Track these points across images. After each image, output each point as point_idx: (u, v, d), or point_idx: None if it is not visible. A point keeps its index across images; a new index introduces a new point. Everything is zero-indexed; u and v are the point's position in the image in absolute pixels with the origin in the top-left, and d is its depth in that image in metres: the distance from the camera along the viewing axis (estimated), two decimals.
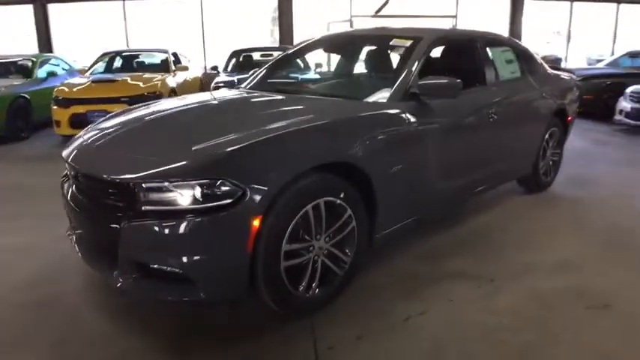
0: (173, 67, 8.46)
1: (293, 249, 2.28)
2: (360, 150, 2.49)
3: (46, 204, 4.35)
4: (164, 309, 2.52)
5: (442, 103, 2.99)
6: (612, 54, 11.84)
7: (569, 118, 4.71)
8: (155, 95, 7.16)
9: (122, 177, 2.16)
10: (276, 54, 9.59)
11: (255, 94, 3.29)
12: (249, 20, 12.71)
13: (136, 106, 3.32)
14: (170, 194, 2.06)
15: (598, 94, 8.46)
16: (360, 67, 3.98)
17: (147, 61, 8.92)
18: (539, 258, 3.17)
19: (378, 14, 11.87)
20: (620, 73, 9.27)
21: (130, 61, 8.84)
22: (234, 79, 7.58)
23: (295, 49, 4.21)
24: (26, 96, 7.75)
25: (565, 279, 2.89)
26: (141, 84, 7.31)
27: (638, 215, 4.04)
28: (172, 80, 7.97)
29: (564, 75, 4.92)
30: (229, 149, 2.13)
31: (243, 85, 3.81)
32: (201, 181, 2.02)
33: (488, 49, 3.77)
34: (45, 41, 11.18)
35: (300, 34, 12.34)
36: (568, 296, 2.69)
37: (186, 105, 3.13)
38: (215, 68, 8.76)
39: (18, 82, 7.96)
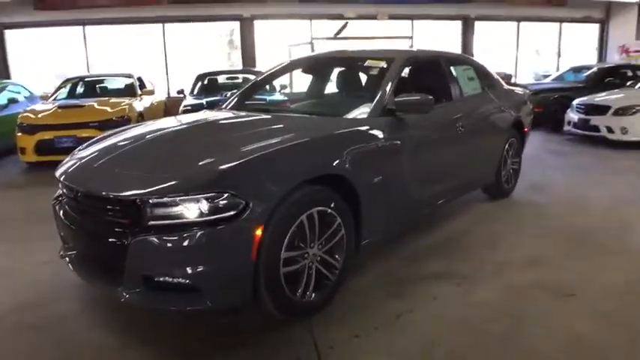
0: (139, 92, 8.49)
1: (290, 256, 2.43)
2: (347, 162, 2.69)
3: (18, 230, 4.36)
4: (164, 321, 2.62)
5: (416, 118, 3.25)
6: (557, 69, 12.69)
7: (526, 130, 5.10)
8: (123, 120, 7.19)
9: (127, 194, 2.27)
10: (240, 76, 9.83)
11: (242, 114, 3.46)
12: (206, 44, 12.81)
13: (123, 128, 3.42)
14: (176, 208, 2.18)
15: (547, 107, 9.07)
16: (332, 87, 4.21)
17: (111, 86, 8.90)
18: (509, 257, 3.45)
19: (338, 36, 12.28)
20: (567, 87, 9.97)
21: (94, 87, 8.79)
22: (203, 101, 7.71)
23: (270, 72, 4.38)
24: None
25: (533, 274, 3.17)
26: (108, 109, 7.31)
27: (591, 215, 4.41)
28: (139, 104, 8.00)
29: (518, 90, 5.34)
30: (232, 165, 2.28)
31: (224, 106, 3.97)
32: (207, 195, 2.16)
33: (452, 68, 4.10)
34: (2, 67, 10.93)
35: (262, 57, 12.58)
36: (537, 288, 2.96)
37: (176, 125, 3.27)
38: (181, 92, 8.84)
39: None
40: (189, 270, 2.18)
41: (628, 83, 9.19)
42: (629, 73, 10.32)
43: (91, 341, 2.49)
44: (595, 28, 13.60)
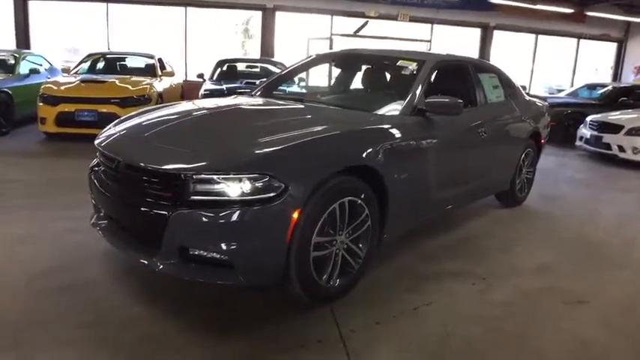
0: (159, 72, 8.58)
1: (320, 241, 2.54)
2: (379, 156, 2.80)
3: (40, 198, 4.46)
4: (192, 292, 2.73)
5: (443, 120, 3.35)
6: (572, 85, 12.76)
7: (543, 141, 5.19)
8: (144, 98, 7.31)
9: (172, 168, 2.37)
10: (259, 65, 9.91)
11: (277, 102, 3.57)
12: (222, 31, 12.84)
13: (161, 105, 3.55)
14: (218, 186, 2.28)
15: (560, 121, 9.14)
16: (359, 82, 4.30)
17: (133, 64, 8.99)
18: (522, 262, 3.56)
19: (357, 34, 12.34)
20: (580, 103, 10.05)
21: (116, 64, 8.89)
22: (223, 87, 7.80)
23: (298, 64, 4.45)
24: (8, 91, 7.69)
25: (544, 280, 3.28)
26: (130, 87, 7.40)
27: (601, 229, 4.51)
28: (159, 85, 8.09)
29: (538, 101, 5.42)
30: (274, 149, 2.40)
31: (253, 94, 4.07)
32: (250, 175, 2.26)
33: (478, 74, 4.19)
34: (23, 38, 11.01)
35: (280, 49, 12.65)
36: (548, 294, 3.07)
37: (216, 107, 3.38)
38: (201, 76, 8.92)
39: (0, 77, 7.87)
40: (225, 246, 2.29)
41: None
42: None
43: (120, 307, 2.60)
44: (613, 46, 13.68)
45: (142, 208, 2.46)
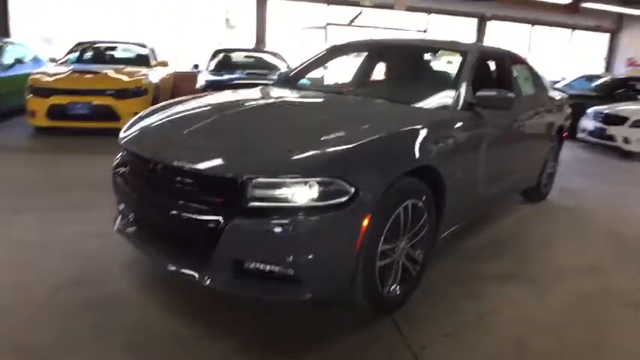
0: (154, 62, 8.19)
1: (385, 249, 2.33)
2: (439, 155, 2.60)
3: (43, 198, 4.12)
4: (239, 309, 2.49)
5: (490, 114, 3.16)
6: (563, 77, 12.76)
7: (565, 134, 5.07)
8: (140, 90, 6.94)
9: (227, 171, 2.11)
10: (256, 55, 9.58)
11: (315, 94, 3.32)
12: (202, 21, 12.26)
13: (185, 98, 3.28)
14: (282, 191, 2.04)
15: None
16: (391, 73, 4.08)
17: (125, 54, 8.56)
18: (567, 261, 3.43)
19: (352, 24, 12.09)
20: (579, 95, 10.02)
21: (106, 54, 8.44)
22: (225, 78, 7.47)
23: (320, 54, 4.18)
24: None
25: (597, 280, 3.15)
26: (125, 77, 7.02)
27: (629, 223, 4.41)
28: (155, 76, 7.71)
29: (559, 94, 5.29)
30: (343, 148, 2.15)
31: (273, 85, 3.82)
32: (319, 179, 2.02)
33: (513, 66, 4.01)
34: (3, 26, 10.42)
35: (273, 39, 12.30)
36: (606, 295, 2.94)
37: (254, 101, 3.10)
38: (196, 66, 8.57)
39: None
40: (291, 259, 2.05)
41: None
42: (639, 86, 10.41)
43: (162, 325, 2.35)
44: (605, 37, 13.74)
45: (187, 216, 2.20)
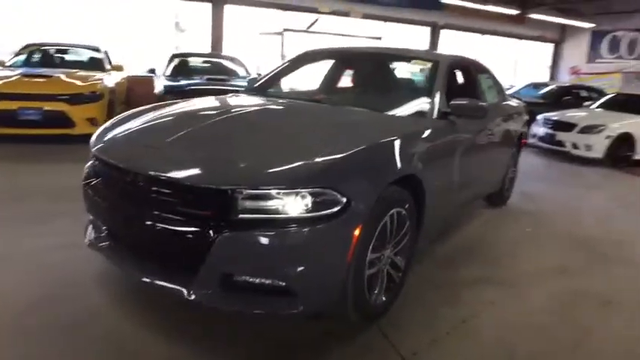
0: (108, 67, 7.88)
1: (373, 258, 2.33)
2: (420, 163, 2.63)
3: (1, 208, 3.86)
4: (225, 324, 2.42)
5: (462, 122, 3.23)
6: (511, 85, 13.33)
7: (524, 140, 5.28)
8: (95, 95, 6.66)
9: (216, 183, 2.03)
10: (214, 60, 9.41)
11: (294, 102, 3.28)
12: (151, 24, 11.82)
13: (160, 104, 3.17)
14: (273, 202, 1.99)
15: None
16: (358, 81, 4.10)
17: (76, 58, 8.18)
18: (536, 264, 3.55)
19: (309, 30, 12.13)
20: (528, 102, 10.45)
21: (57, 57, 8.04)
22: (183, 83, 7.29)
23: (290, 61, 4.15)
24: None
25: (567, 282, 3.28)
26: (78, 82, 6.70)
27: (585, 225, 4.63)
28: (110, 80, 7.42)
29: (517, 102, 5.51)
30: (334, 158, 2.13)
31: (243, 93, 3.76)
32: (312, 190, 1.99)
33: (478, 74, 4.14)
34: None
35: (228, 44, 12.10)
36: (578, 296, 3.07)
37: (233, 109, 3.02)
38: (152, 71, 8.31)
39: None
40: (285, 270, 2.01)
41: (586, 103, 9.82)
42: (584, 94, 11.04)
43: (149, 347, 2.24)
44: (550, 47, 14.49)
45: (172, 229, 2.10)
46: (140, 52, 11.27)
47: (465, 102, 3.08)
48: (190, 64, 9.02)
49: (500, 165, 4.53)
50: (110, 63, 8.22)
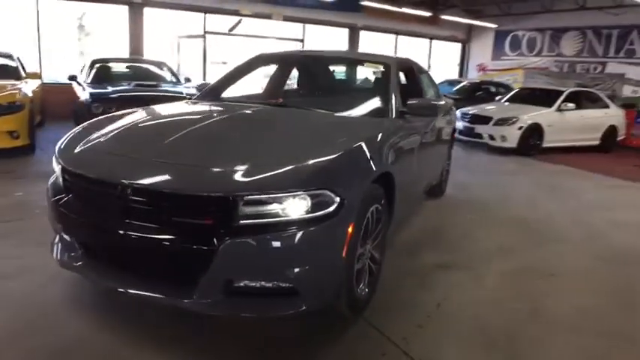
0: (24, 74, 7.33)
1: (359, 253, 2.46)
2: (392, 160, 2.81)
3: None
4: (220, 330, 2.43)
5: (415, 120, 3.46)
6: None
7: (454, 135, 5.70)
8: (15, 106, 6.16)
9: (218, 190, 2.05)
10: (139, 65, 9.04)
11: (265, 107, 3.33)
12: (54, 26, 10.98)
13: (127, 111, 3.08)
14: (272, 206, 2.04)
15: None
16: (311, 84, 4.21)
17: None
18: (487, 246, 3.91)
19: (232, 33, 12.04)
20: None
21: None
22: (110, 90, 6.96)
23: (242, 65, 4.15)
24: None
25: (515, 259, 3.65)
26: None
27: (514, 208, 5.12)
28: (28, 89, 6.90)
29: (445, 99, 5.92)
30: (325, 161, 2.22)
31: (196, 99, 3.74)
32: (311, 192, 2.07)
33: (420, 75, 4.42)
34: None
35: (146, 48, 11.66)
36: (524, 272, 3.43)
37: (202, 115, 3.02)
38: (73, 78, 7.84)
39: None
40: (289, 271, 2.07)
41: (497, 97, 10.69)
42: (492, 89, 12.00)
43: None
44: (458, 47, 15.54)
45: (169, 241, 2.08)
46: (45, 56, 10.47)
47: (420, 101, 3.31)
48: (113, 69, 8.62)
49: (441, 158, 4.87)
50: (25, 70, 7.63)
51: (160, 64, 8.88)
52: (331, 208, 2.13)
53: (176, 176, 2.16)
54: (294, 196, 2.06)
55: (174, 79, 8.43)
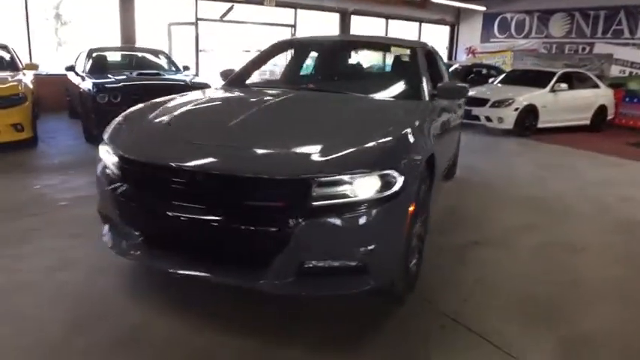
0: (21, 65, 7.18)
1: (414, 231, 2.56)
2: (434, 141, 2.91)
3: None
4: (279, 311, 2.52)
5: (442, 102, 3.55)
6: None
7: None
8: (19, 97, 6.06)
9: (296, 173, 2.10)
10: (137, 54, 8.89)
11: (303, 92, 3.42)
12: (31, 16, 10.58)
13: (167, 98, 3.11)
14: (344, 187, 2.11)
15: None
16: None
17: None
18: (510, 223, 4.05)
19: (224, 19, 11.92)
20: None
21: None
22: (113, 79, 6.85)
23: (266, 50, 4.15)
24: None
25: (541, 236, 3.80)
26: None
27: (524, 186, 5.29)
28: (27, 80, 6.78)
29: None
30: (388, 142, 2.31)
31: (224, 86, 3.77)
32: (380, 172, 2.15)
33: (436, 57, 4.51)
34: None
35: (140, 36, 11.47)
36: (554, 246, 3.58)
37: (258, 100, 3.07)
38: (71, 68, 7.72)
39: None
40: (360, 250, 2.15)
41: (490, 80, 10.85)
42: (484, 71, 12.17)
43: (210, 343, 2.28)
44: (447, 30, 15.66)
45: (242, 225, 2.13)
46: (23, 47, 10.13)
47: (449, 84, 3.41)
48: (111, 58, 8.48)
49: (456, 139, 5.00)
50: (21, 61, 7.48)
51: (158, 53, 8.76)
52: (396, 188, 2.21)
53: (251, 161, 2.21)
54: (365, 177, 2.13)
55: (172, 68, 8.34)
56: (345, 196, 2.12)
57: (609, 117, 10.29)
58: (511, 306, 2.69)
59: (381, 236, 2.20)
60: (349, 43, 4.19)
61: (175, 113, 2.76)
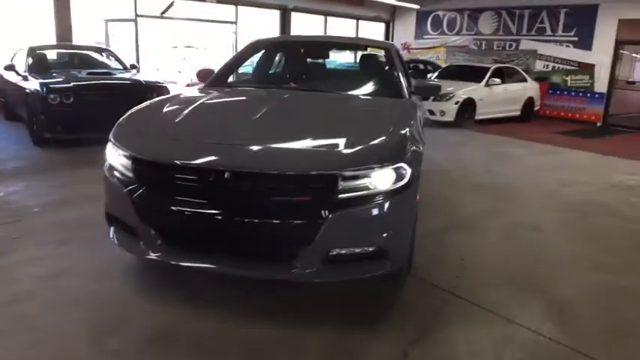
0: None
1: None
2: (421, 136, 3.19)
3: None
4: (301, 299, 2.69)
5: (416, 99, 3.85)
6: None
7: None
8: None
9: (326, 168, 2.28)
10: (80, 52, 8.52)
11: (300, 93, 3.55)
12: None
13: (167, 97, 3.18)
14: (363, 180, 2.32)
15: None
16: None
17: None
18: (476, 209, 4.46)
19: (164, 15, 11.62)
20: None
21: None
22: (62, 79, 6.55)
23: (244, 51, 4.25)
24: None
25: (504, 218, 4.24)
26: None
27: (475, 175, 5.77)
28: None
29: None
30: (398, 137, 2.57)
31: (204, 86, 3.82)
32: (395, 165, 2.38)
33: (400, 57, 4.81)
34: None
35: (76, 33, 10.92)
36: (517, 226, 4.02)
37: (266, 99, 3.25)
38: (11, 67, 7.28)
39: None
40: (379, 237, 2.38)
41: (428, 75, 11.45)
42: (421, 67, 12.80)
43: (247, 333, 2.41)
44: (382, 27, 16.19)
45: (272, 220, 2.28)
46: None
47: (424, 82, 3.71)
48: (53, 57, 8.07)
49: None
50: None
51: (101, 51, 8.46)
52: (407, 180, 2.45)
53: (279, 158, 2.37)
54: (382, 170, 2.35)
55: (120, 67, 8.09)
56: (366, 188, 2.33)
57: (536, 108, 11.24)
58: (497, 280, 3.04)
59: (396, 223, 2.45)
60: (325, 44, 4.41)
61: (186, 113, 2.82)
